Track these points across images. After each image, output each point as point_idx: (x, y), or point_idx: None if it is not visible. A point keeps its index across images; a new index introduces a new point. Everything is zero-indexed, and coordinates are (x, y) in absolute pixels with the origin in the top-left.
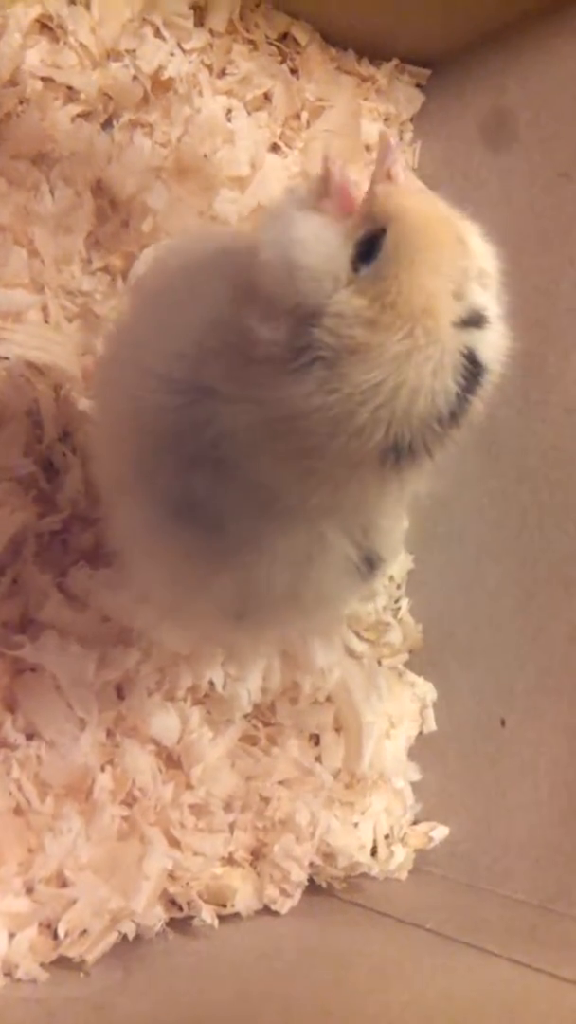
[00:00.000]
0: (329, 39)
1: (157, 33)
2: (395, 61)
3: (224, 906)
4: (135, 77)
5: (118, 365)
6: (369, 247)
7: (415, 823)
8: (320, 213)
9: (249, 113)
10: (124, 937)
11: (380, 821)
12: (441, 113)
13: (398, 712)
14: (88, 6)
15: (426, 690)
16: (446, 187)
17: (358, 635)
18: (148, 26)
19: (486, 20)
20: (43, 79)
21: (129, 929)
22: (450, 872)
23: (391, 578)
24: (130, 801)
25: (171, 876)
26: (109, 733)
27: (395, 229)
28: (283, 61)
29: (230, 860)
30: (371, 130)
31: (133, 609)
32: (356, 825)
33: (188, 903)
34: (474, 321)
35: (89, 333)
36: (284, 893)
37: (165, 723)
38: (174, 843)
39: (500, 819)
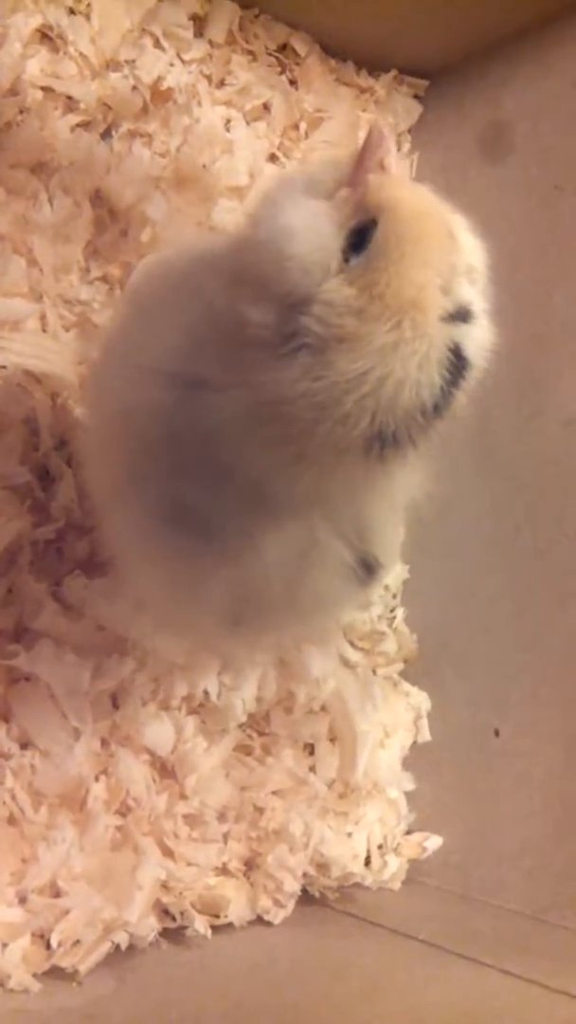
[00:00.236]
0: (328, 50)
1: (157, 44)
2: (393, 72)
3: (217, 916)
4: (135, 87)
5: (110, 371)
6: (360, 237)
7: (409, 833)
8: (319, 200)
9: (248, 123)
10: (117, 947)
11: (374, 831)
12: (439, 124)
13: (393, 722)
14: (88, 16)
15: (421, 700)
16: (442, 198)
17: (353, 644)
18: (148, 36)
19: (484, 32)
20: (43, 89)
21: (122, 939)
22: (443, 882)
23: (386, 588)
24: (124, 811)
25: (164, 886)
26: (103, 742)
27: (386, 221)
28: (282, 72)
29: (224, 870)
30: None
31: (128, 618)
32: (350, 835)
33: (181, 913)
34: (461, 316)
35: (87, 342)
36: (277, 903)
37: (159, 733)
38: (168, 853)
39: (494, 830)
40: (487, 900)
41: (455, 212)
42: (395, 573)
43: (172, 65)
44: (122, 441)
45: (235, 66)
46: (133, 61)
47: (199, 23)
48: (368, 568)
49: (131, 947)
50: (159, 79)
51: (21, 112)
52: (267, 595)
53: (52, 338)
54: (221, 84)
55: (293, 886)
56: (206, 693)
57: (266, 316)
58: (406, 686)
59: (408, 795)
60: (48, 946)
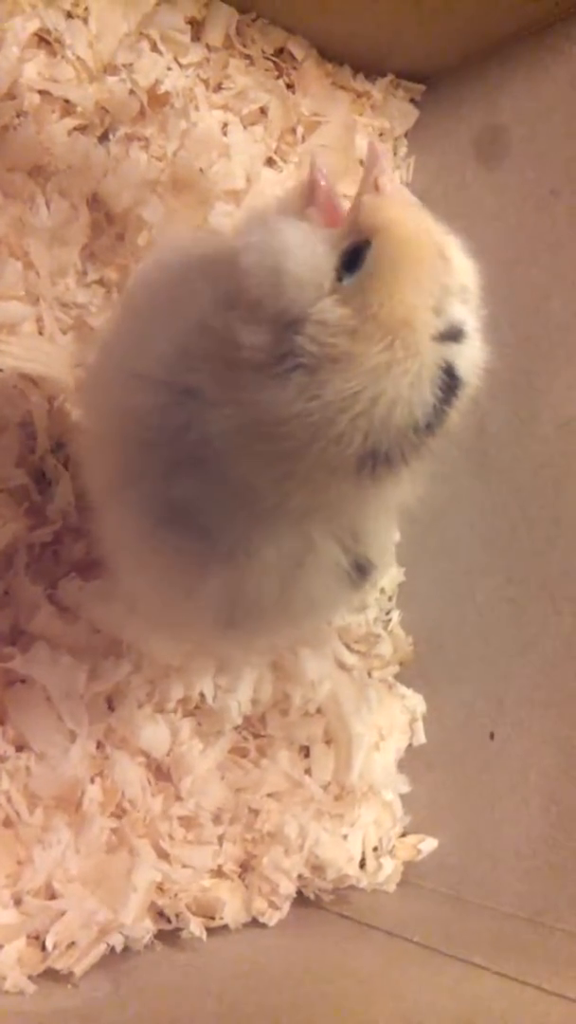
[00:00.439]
0: (325, 54)
1: (154, 47)
2: (390, 77)
3: (212, 918)
4: (132, 91)
5: (105, 372)
6: (353, 257)
7: (404, 835)
8: (305, 220)
9: (245, 127)
10: (112, 949)
11: (369, 833)
12: (435, 128)
13: (388, 724)
14: (86, 20)
15: (416, 702)
16: (439, 202)
17: (349, 647)
18: (145, 40)
19: (481, 37)
20: (40, 92)
21: (117, 941)
22: (438, 885)
23: (382, 590)
24: (119, 813)
25: (160, 888)
26: (99, 745)
27: (380, 242)
28: (279, 76)
29: (219, 872)
30: (365, 145)
31: (124, 621)
32: (345, 837)
33: (176, 915)
34: (452, 335)
35: (83, 345)
36: (272, 905)
37: (155, 735)
38: (163, 855)
39: (489, 832)
40: (482, 902)
41: (448, 233)
42: (391, 576)
43: (169, 69)
44: (117, 443)
45: (232, 70)
46: (130, 65)
47: (196, 27)
48: (362, 570)
49: (126, 949)
50: (156, 83)
51: (18, 115)
52: (261, 597)
53: (49, 341)
54: (218, 88)
55: (288, 888)
56: (202, 695)
57: (259, 338)
58: (401, 688)
59: (403, 797)
60: (43, 948)
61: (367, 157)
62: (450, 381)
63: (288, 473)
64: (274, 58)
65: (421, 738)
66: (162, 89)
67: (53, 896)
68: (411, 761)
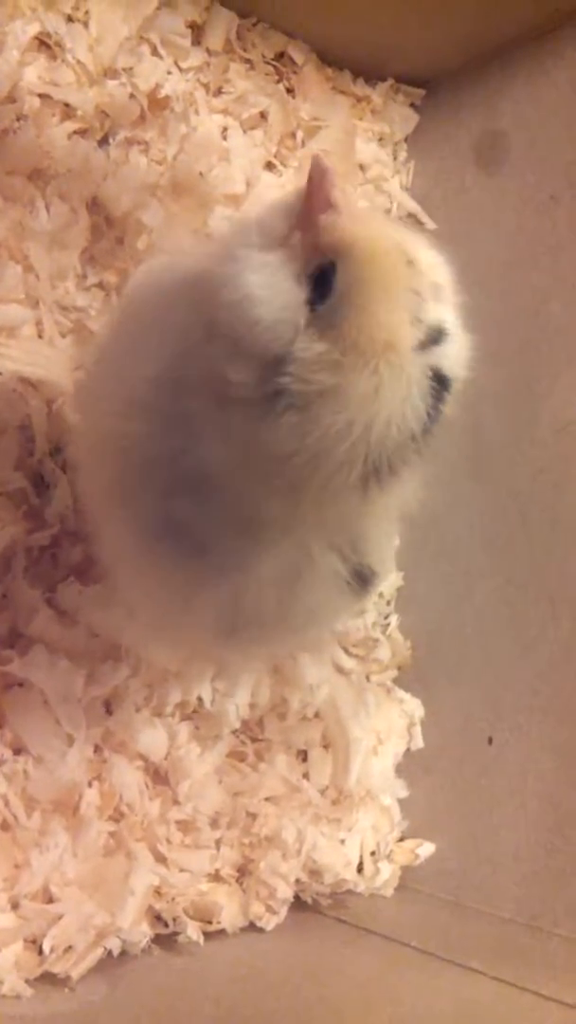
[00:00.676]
0: (325, 59)
1: (154, 51)
2: (390, 81)
3: (210, 923)
4: (132, 95)
5: (100, 382)
6: (322, 283)
7: (402, 840)
8: (274, 249)
9: (245, 132)
10: (109, 953)
11: (367, 838)
12: (435, 133)
13: (386, 729)
14: (86, 24)
15: (414, 707)
16: (439, 206)
17: (347, 651)
18: (145, 44)
19: (481, 42)
20: (40, 96)
21: (114, 945)
22: (436, 889)
23: (380, 595)
24: (117, 817)
25: (157, 892)
26: (97, 749)
27: (344, 265)
28: (279, 80)
29: (216, 876)
30: (365, 150)
31: (122, 625)
32: (343, 842)
33: (174, 919)
34: (434, 339)
35: (83, 348)
36: (270, 910)
37: (153, 739)
38: (160, 859)
39: (486, 837)
40: (480, 907)
41: (410, 231)
42: (389, 580)
43: (169, 73)
44: (113, 456)
45: (232, 74)
46: (131, 69)
47: (197, 31)
48: (362, 578)
49: (123, 953)
50: (156, 87)
51: (18, 119)
52: (261, 608)
53: (48, 345)
54: (218, 92)
55: (286, 892)
56: (200, 699)
57: (245, 375)
58: (400, 693)
59: (401, 802)
60: (40, 952)
61: (312, 173)
62: (439, 384)
63: (292, 501)
64: (274, 62)
65: (419, 742)
66: (162, 93)
67: (50, 900)
68: (409, 765)
